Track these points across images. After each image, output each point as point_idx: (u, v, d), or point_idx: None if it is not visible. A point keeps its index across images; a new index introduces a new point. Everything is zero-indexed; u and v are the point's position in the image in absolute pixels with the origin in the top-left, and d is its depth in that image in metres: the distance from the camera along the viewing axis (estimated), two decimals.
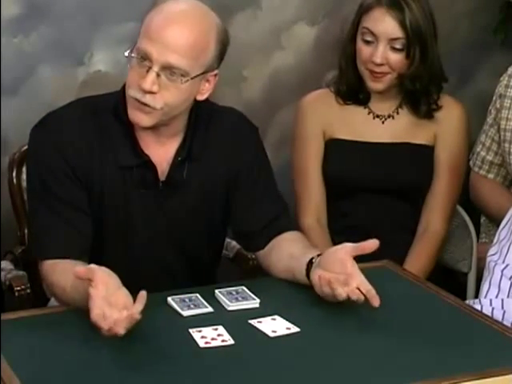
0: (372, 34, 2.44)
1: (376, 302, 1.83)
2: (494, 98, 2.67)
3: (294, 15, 3.06)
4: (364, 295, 1.84)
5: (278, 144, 3.04)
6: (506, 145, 2.64)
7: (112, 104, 2.04)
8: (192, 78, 1.95)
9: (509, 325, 1.99)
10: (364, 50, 2.46)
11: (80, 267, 1.81)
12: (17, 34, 2.78)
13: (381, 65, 2.44)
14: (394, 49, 2.44)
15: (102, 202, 2.05)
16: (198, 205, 2.10)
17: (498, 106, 2.65)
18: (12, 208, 2.46)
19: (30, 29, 2.79)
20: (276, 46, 3.07)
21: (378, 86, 2.49)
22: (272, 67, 3.08)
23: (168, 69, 1.93)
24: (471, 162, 2.74)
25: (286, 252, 2.06)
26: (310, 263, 1.96)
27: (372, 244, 1.89)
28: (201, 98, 2.03)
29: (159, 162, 2.05)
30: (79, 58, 2.85)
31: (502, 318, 2.03)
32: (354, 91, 2.54)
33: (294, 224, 2.23)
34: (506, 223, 2.17)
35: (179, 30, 1.93)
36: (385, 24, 2.42)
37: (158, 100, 1.94)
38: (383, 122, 2.56)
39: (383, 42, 2.43)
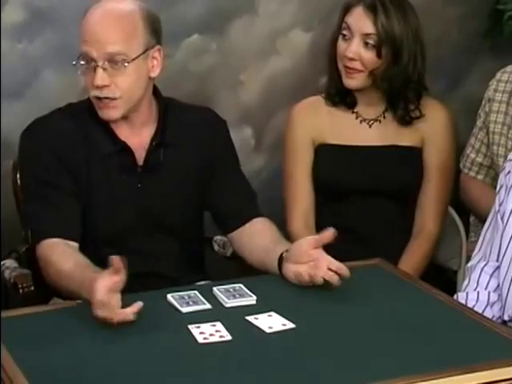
0: (349, 29, 2.48)
1: (346, 272, 1.95)
2: (483, 102, 2.68)
3: (290, 21, 3.06)
4: (336, 272, 1.95)
5: (274, 146, 3.04)
6: (495, 147, 2.64)
7: (86, 106, 2.20)
8: (134, 59, 2.10)
9: (480, 311, 2.01)
10: (341, 45, 2.50)
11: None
12: (22, 39, 2.79)
13: (353, 60, 2.47)
14: (366, 45, 2.46)
15: (88, 191, 2.17)
16: (175, 186, 2.23)
17: (487, 109, 2.65)
18: (16, 208, 2.45)
19: (35, 35, 2.80)
20: (272, 50, 3.07)
21: (352, 83, 2.50)
22: (268, 71, 3.08)
23: (110, 60, 2.09)
24: (461, 164, 2.74)
25: (259, 246, 2.17)
26: (281, 258, 2.06)
27: (329, 234, 2.00)
28: (153, 74, 2.18)
29: (136, 148, 2.19)
30: None
31: (473, 307, 2.04)
32: (341, 93, 2.55)
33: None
34: (489, 226, 2.18)
35: (105, 24, 2.10)
36: (360, 20, 2.47)
37: (114, 90, 2.11)
38: (370, 126, 2.57)
39: (357, 38, 2.47)
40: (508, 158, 2.20)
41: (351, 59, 2.47)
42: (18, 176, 2.44)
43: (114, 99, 2.11)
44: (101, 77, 2.08)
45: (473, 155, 2.72)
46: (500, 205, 2.15)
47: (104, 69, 2.09)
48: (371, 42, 2.46)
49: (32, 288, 2.26)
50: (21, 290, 2.29)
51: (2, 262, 2.43)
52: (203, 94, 3.00)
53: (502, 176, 2.18)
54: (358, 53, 2.47)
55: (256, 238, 2.21)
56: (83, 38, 2.12)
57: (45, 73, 2.82)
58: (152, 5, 2.26)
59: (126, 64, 2.09)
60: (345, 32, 2.49)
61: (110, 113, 2.13)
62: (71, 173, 2.16)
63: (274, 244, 2.13)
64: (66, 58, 2.82)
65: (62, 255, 2.06)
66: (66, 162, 2.16)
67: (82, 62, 2.13)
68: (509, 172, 2.15)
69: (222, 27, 3.00)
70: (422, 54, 2.51)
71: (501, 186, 2.17)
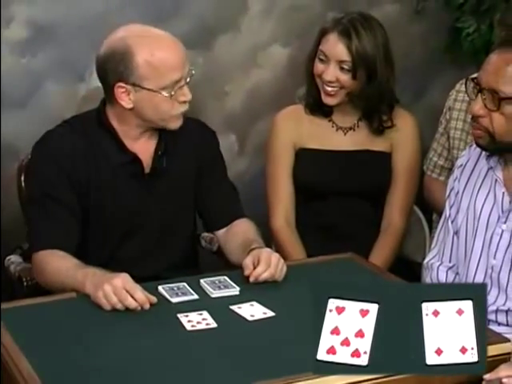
0: (325, 55, 2.47)
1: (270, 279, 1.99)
2: (444, 110, 2.68)
3: (270, 37, 3.06)
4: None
5: (257, 150, 3.04)
6: (455, 151, 2.65)
7: (94, 117, 2.16)
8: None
9: None
10: (318, 67, 2.50)
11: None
12: (25, 54, 2.79)
13: (331, 82, 2.47)
14: (342, 69, 2.46)
15: (99, 198, 2.14)
16: (177, 189, 2.22)
17: (448, 117, 2.66)
18: (20, 207, 2.44)
19: (37, 50, 2.79)
20: (254, 64, 3.07)
21: (331, 101, 2.51)
22: (251, 83, 3.08)
23: (186, 77, 2.09)
24: (425, 167, 2.75)
25: (238, 245, 2.16)
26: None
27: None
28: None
29: (143, 157, 2.17)
30: (80, 75, 2.84)
31: None
32: (318, 104, 2.55)
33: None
34: (441, 228, 2.17)
35: (177, 48, 2.09)
36: (335, 48, 2.46)
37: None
38: (345, 134, 2.58)
39: (333, 63, 2.47)
40: (456, 163, 2.19)
41: (329, 82, 2.47)
42: (23, 178, 2.43)
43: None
44: (189, 92, 2.10)
45: (435, 159, 2.72)
46: (450, 208, 2.13)
47: (186, 83, 2.09)
48: (346, 67, 2.46)
49: (35, 281, 2.25)
50: (25, 283, 2.28)
51: (7, 257, 2.42)
52: (191, 103, 2.97)
53: (451, 181, 2.16)
54: (336, 76, 2.47)
55: (236, 238, 2.21)
56: (172, 66, 2.06)
57: (46, 85, 2.82)
58: (144, 23, 2.25)
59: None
60: (321, 57, 2.49)
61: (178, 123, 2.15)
62: (75, 188, 2.11)
63: (250, 242, 2.12)
64: (65, 71, 2.83)
65: (63, 256, 2.05)
66: (71, 175, 2.11)
67: (170, 91, 2.06)
68: (456, 178, 2.13)
69: (208, 43, 3.00)
70: (392, 70, 2.51)
71: (450, 190, 2.15)
